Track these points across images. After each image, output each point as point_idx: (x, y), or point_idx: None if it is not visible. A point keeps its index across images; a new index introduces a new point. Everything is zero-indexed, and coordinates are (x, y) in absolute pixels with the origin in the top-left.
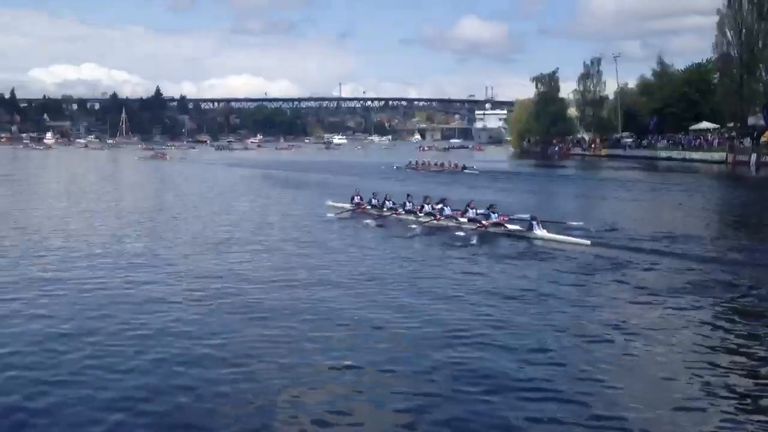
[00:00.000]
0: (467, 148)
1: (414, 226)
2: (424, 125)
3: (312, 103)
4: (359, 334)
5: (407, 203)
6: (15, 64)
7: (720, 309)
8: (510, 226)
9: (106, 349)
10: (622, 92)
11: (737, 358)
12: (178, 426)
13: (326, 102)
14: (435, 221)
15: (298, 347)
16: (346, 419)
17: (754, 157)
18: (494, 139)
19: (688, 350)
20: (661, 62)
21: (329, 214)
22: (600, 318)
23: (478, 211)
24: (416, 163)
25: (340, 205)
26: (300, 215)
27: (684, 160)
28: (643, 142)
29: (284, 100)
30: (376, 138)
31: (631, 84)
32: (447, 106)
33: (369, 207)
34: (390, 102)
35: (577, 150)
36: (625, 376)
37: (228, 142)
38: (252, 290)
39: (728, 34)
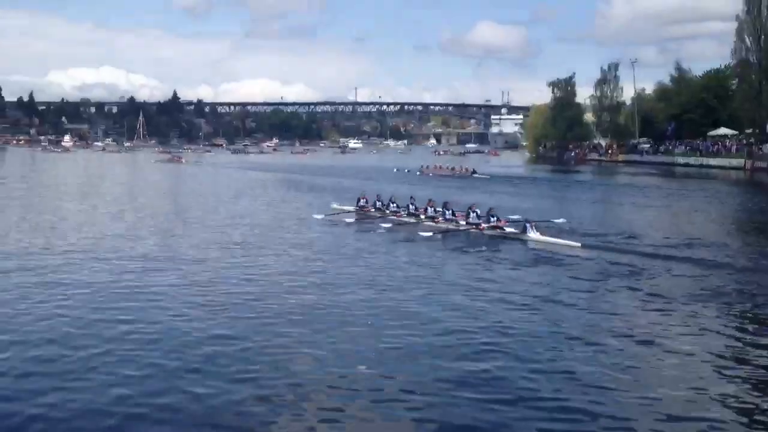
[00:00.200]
0: (483, 152)
1: (415, 228)
2: (439, 130)
3: (327, 108)
4: (364, 340)
5: (410, 206)
6: (34, 67)
7: (735, 317)
8: (507, 229)
9: (112, 351)
10: (639, 98)
11: (752, 370)
12: (183, 427)
13: (342, 106)
14: (435, 224)
15: (304, 352)
16: (352, 425)
17: None
18: (510, 144)
19: (701, 360)
20: (678, 68)
21: (316, 215)
22: (611, 325)
23: (480, 214)
24: (426, 167)
25: (343, 207)
26: (308, 219)
27: (702, 166)
28: (661, 148)
29: (300, 104)
30: (391, 142)
31: (649, 90)
32: (463, 110)
33: (373, 210)
34: (405, 106)
35: (594, 155)
36: (635, 385)
37: (244, 145)
38: (259, 294)
39: (747, 40)
